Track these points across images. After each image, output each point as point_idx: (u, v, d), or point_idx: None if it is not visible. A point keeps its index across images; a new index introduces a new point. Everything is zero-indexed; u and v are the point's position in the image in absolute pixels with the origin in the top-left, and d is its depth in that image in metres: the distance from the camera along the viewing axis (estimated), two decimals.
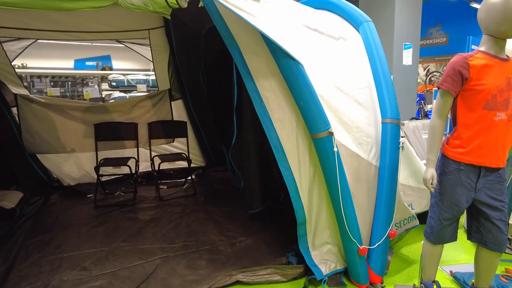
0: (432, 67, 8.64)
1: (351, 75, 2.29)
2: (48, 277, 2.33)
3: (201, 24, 3.67)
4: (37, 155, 4.05)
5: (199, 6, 2.01)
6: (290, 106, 1.96)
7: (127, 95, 6.59)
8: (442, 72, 5.48)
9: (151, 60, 4.41)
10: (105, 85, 7.64)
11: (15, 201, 3.47)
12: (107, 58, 14.02)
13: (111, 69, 9.35)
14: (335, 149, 1.84)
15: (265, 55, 1.97)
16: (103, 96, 6.73)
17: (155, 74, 4.38)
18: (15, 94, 3.79)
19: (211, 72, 4.22)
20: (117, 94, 6.70)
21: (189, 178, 4.56)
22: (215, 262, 2.51)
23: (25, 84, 5.03)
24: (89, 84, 7.80)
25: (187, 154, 4.46)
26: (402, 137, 2.14)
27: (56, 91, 6.41)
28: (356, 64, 2.39)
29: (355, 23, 2.61)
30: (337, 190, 1.91)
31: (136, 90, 6.84)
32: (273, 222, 3.18)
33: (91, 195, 4.05)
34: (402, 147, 2.11)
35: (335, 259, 2.25)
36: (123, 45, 11.10)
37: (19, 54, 3.95)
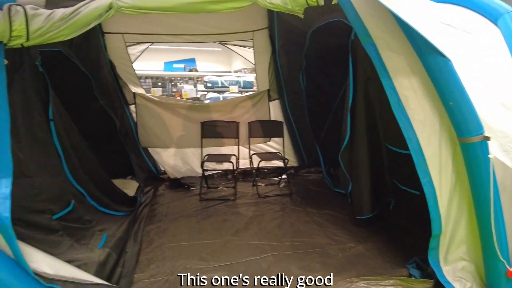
0: None
1: (491, 73, 2.02)
2: (173, 263, 2.50)
3: (307, 24, 3.64)
4: (149, 149, 4.44)
5: (333, 3, 1.96)
6: (433, 107, 1.80)
7: (221, 95, 6.89)
8: None
9: (252, 61, 4.53)
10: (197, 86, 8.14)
11: (133, 190, 3.84)
12: (192, 61, 15.00)
13: (197, 71, 9.89)
14: (491, 155, 1.63)
15: (405, 52, 1.83)
16: (199, 96, 7.14)
17: (256, 75, 4.48)
18: (134, 93, 4.21)
19: (312, 72, 4.17)
20: (211, 94, 7.06)
21: (284, 177, 4.59)
22: (329, 266, 2.45)
23: None
24: (184, 85, 8.36)
25: (282, 154, 4.50)
26: None
27: (158, 91, 7.03)
28: (496, 61, 2.11)
29: (491, 16, 2.30)
30: (487, 202, 1.69)
31: (229, 90, 7.11)
32: (382, 230, 3.00)
33: (195, 188, 4.31)
34: None
35: (472, 278, 2.01)
36: (205, 49, 11.58)
37: (138, 57, 4.37)
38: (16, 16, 1.62)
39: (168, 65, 12.72)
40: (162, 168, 4.61)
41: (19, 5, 1.64)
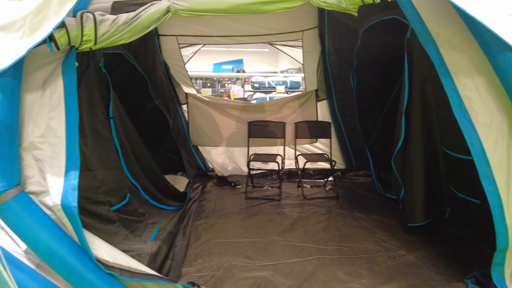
0: None
1: None
2: (219, 259, 2.57)
3: (360, 22, 3.53)
4: (198, 147, 4.60)
5: (389, 0, 1.88)
6: (502, 109, 1.65)
7: (267, 95, 6.92)
8: None
9: (300, 61, 4.49)
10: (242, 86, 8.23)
11: (183, 186, 4.00)
12: (240, 62, 15.21)
13: (244, 71, 9.99)
14: None
15: (470, 50, 1.71)
16: (246, 96, 7.24)
17: (303, 75, 4.43)
18: (186, 93, 4.37)
19: (364, 72, 4.04)
20: (258, 94, 7.12)
21: (330, 179, 4.50)
22: (377, 274, 2.36)
23: None
24: (232, 86, 8.51)
25: (329, 156, 4.40)
26: None
27: (208, 91, 7.24)
28: None
29: None
30: None
31: (275, 91, 7.12)
32: (436, 239, 2.82)
33: (241, 186, 4.38)
34: None
35: None
36: (253, 50, 11.62)
37: (190, 58, 4.53)
38: (86, 22, 1.76)
39: (217, 66, 13.06)
40: (211, 166, 4.74)
41: (89, 12, 1.79)
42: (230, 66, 12.81)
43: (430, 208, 2.80)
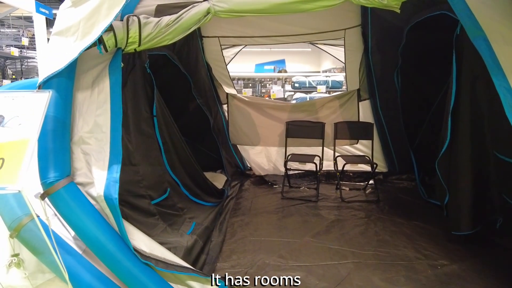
0: None
1: None
2: (253, 257, 2.59)
3: (404, 19, 3.38)
4: (237, 146, 4.68)
5: None
6: None
7: (307, 96, 6.85)
8: None
9: (342, 60, 4.40)
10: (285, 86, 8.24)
11: (222, 183, 4.09)
12: (282, 62, 15.21)
13: (286, 71, 9.98)
14: None
15: None
16: (286, 96, 7.22)
17: (345, 74, 4.33)
18: (227, 93, 4.47)
19: (409, 71, 3.86)
20: (298, 95, 7.07)
21: (371, 182, 4.35)
22: (415, 282, 2.25)
23: None
24: (273, 86, 8.54)
25: (370, 158, 4.26)
26: None
27: (249, 92, 7.32)
28: None
29: None
30: None
31: (316, 91, 7.03)
32: (484, 250, 2.63)
33: (277, 185, 4.39)
34: None
35: None
36: (295, 50, 11.65)
37: (232, 59, 4.63)
38: (132, 25, 1.87)
39: (259, 66, 13.21)
40: (249, 165, 4.80)
41: (135, 15, 1.90)
42: (272, 67, 12.93)
43: (478, 216, 2.61)
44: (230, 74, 4.52)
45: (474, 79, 2.43)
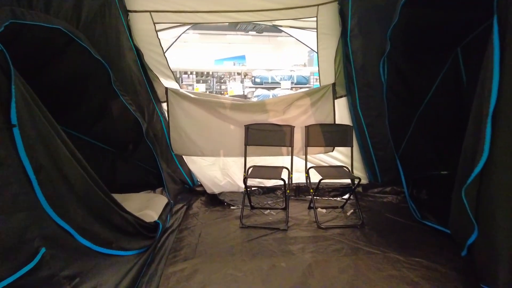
0: None
1: None
2: None
3: None
4: (183, 156, 3.63)
5: None
6: None
7: (271, 92, 5.94)
8: None
9: (313, 49, 3.52)
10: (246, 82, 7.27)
11: (158, 210, 3.03)
12: (242, 58, 14.47)
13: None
14: None
15: None
16: (246, 93, 6.27)
17: (318, 65, 3.44)
18: (166, 88, 3.40)
19: (398, 59, 3.06)
20: (259, 91, 6.13)
21: (349, 197, 3.53)
22: None
23: None
24: (231, 82, 7.56)
25: (350, 169, 3.43)
26: None
27: (202, 87, 6.28)
28: None
29: None
30: None
31: (280, 87, 6.14)
32: None
33: (235, 207, 3.44)
34: None
35: None
36: (255, 45, 11.05)
37: (172, 44, 3.57)
38: None
39: (219, 62, 12.43)
40: (199, 181, 3.78)
41: None
42: (231, 62, 12.14)
43: None
44: (181, 67, 3.47)
45: None
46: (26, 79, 1.68)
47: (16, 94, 1.48)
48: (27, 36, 1.93)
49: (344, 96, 3.52)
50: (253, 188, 3.61)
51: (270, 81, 6.29)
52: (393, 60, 3.06)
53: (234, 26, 16.05)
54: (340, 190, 3.74)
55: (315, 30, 3.34)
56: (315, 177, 3.19)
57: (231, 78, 7.78)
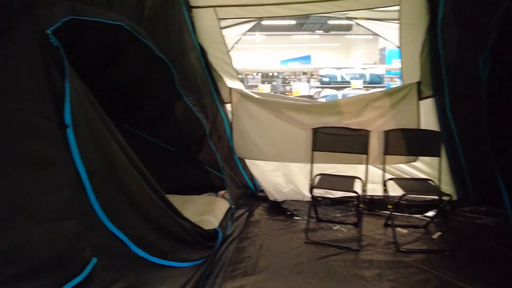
0: None
1: None
2: None
3: None
4: (245, 160, 3.45)
5: None
6: None
7: (339, 92, 5.51)
8: None
9: (394, 43, 3.07)
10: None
11: (219, 216, 2.88)
12: (307, 58, 14.12)
13: None
14: None
15: None
16: (312, 94, 5.92)
17: (400, 61, 2.99)
18: (230, 89, 3.25)
19: (505, 52, 2.49)
20: (327, 91, 5.74)
21: (434, 215, 3.00)
22: None
23: None
24: (296, 81, 7.26)
25: (438, 182, 2.91)
26: None
27: (267, 88, 6.09)
28: None
29: None
30: None
31: (350, 86, 5.67)
32: None
33: (300, 217, 3.15)
34: None
35: None
36: (322, 45, 10.73)
37: (237, 41, 3.40)
38: None
39: (284, 63, 12.37)
40: (261, 187, 3.57)
41: None
42: (297, 63, 11.95)
43: None
44: (243, 67, 3.29)
45: None
46: (89, 80, 1.60)
47: (70, 93, 1.38)
48: (89, 35, 1.87)
49: (431, 97, 3.01)
50: (319, 199, 3.28)
51: (339, 80, 5.84)
52: (499, 54, 2.50)
53: (300, 26, 15.76)
54: (422, 206, 3.22)
55: (397, 21, 2.90)
56: (393, 191, 2.76)
57: (296, 78, 7.49)
